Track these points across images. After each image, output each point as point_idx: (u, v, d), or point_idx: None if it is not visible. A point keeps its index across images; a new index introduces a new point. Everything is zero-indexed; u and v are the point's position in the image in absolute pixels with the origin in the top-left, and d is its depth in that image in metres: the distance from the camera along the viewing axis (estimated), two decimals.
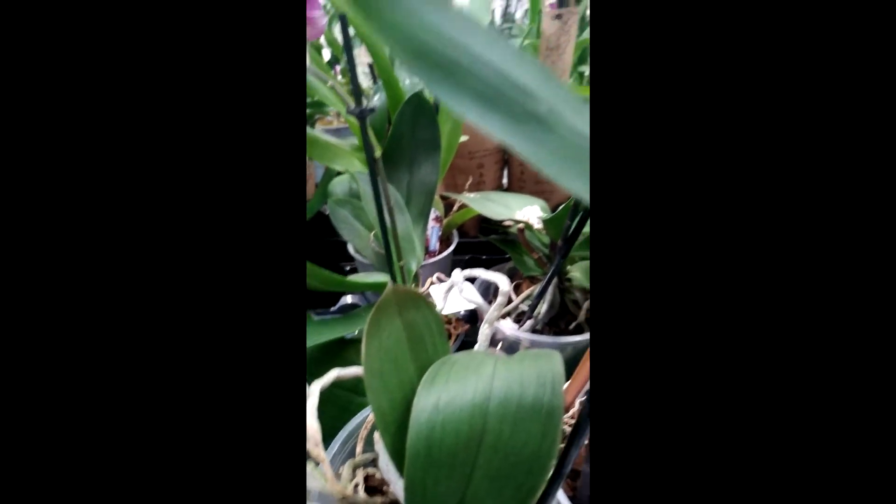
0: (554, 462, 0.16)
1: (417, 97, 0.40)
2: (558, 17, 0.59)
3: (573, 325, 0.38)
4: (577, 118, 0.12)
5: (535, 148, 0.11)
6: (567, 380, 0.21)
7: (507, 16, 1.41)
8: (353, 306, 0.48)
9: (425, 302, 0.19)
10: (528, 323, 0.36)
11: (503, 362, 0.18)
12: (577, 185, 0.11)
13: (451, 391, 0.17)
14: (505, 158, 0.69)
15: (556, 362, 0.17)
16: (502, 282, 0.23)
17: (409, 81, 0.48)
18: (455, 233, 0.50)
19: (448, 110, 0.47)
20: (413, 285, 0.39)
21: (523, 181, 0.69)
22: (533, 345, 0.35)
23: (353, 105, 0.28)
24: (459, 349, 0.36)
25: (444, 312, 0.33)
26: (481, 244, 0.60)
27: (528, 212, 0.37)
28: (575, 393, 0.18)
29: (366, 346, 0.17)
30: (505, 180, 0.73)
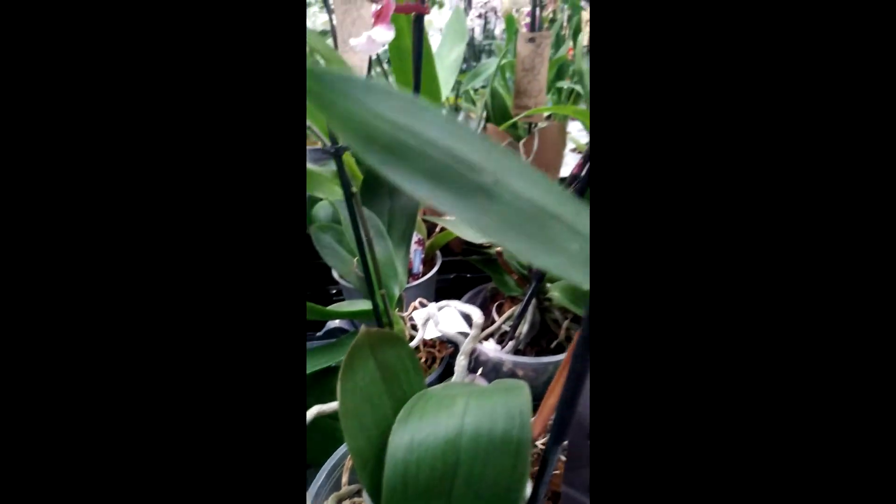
0: (527, 491, 0.17)
1: None
2: (531, 40, 0.61)
3: (554, 343, 0.39)
4: (522, 184, 0.13)
5: (482, 217, 0.12)
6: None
7: (486, 32, 1.44)
8: (340, 330, 0.49)
9: (399, 340, 0.20)
10: (510, 344, 0.37)
11: (475, 397, 0.19)
12: (520, 247, 0.12)
13: (424, 428, 0.18)
14: None
15: (524, 396, 0.18)
16: (475, 314, 0.23)
17: None
18: (438, 254, 0.51)
19: None
20: (396, 310, 0.40)
21: None
22: (515, 366, 0.35)
23: (329, 143, 0.29)
24: (444, 371, 0.37)
25: (427, 337, 0.34)
26: (466, 263, 0.61)
27: None
28: (542, 424, 0.19)
29: (341, 389, 0.18)
30: None
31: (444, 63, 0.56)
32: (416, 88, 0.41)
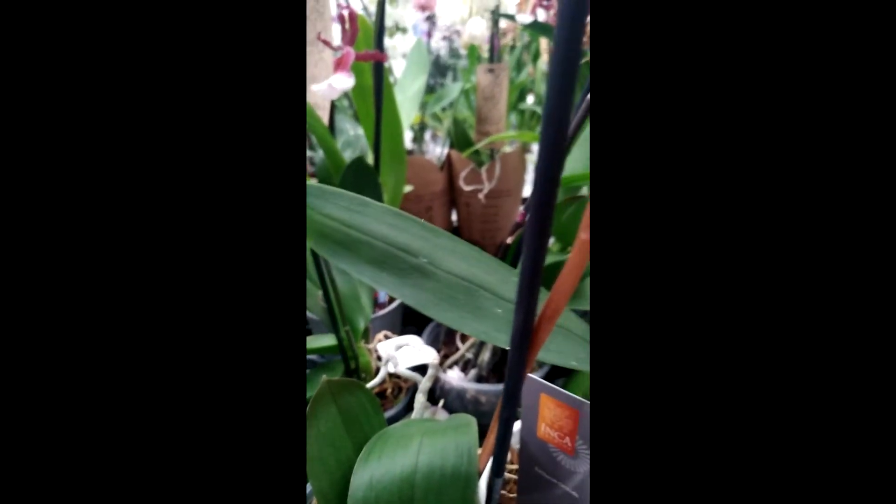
0: None
1: (359, 161, 0.43)
2: (491, 70, 0.64)
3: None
4: (454, 261, 0.15)
5: (419, 293, 0.14)
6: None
7: (452, 51, 1.49)
8: (310, 363, 0.49)
9: (359, 386, 0.21)
10: (473, 372, 0.39)
11: (428, 435, 0.20)
12: (451, 317, 0.14)
13: (382, 467, 0.19)
14: (452, 199, 0.73)
15: (472, 434, 0.20)
16: (430, 356, 0.25)
17: (348, 153, 0.51)
18: None
19: (391, 167, 0.50)
20: (363, 342, 0.41)
21: (470, 220, 0.73)
22: (478, 393, 0.37)
23: None
24: (409, 401, 0.38)
25: (398, 370, 0.35)
26: None
27: None
28: (487, 457, 0.21)
29: (305, 436, 0.19)
30: (454, 217, 0.77)
31: (407, 94, 0.59)
32: (377, 128, 0.43)
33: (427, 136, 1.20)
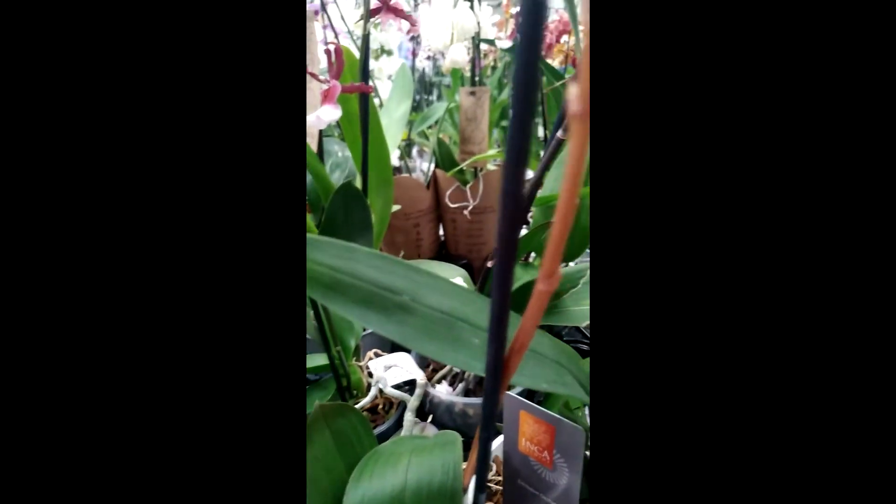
0: None
1: (347, 186, 0.45)
2: (472, 93, 0.67)
3: None
4: (435, 296, 0.17)
5: (401, 328, 0.15)
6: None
7: (436, 69, 1.52)
8: None
9: (350, 409, 0.23)
10: (460, 386, 0.40)
11: (416, 453, 0.22)
12: (432, 349, 0.16)
13: (374, 486, 0.21)
14: (438, 216, 0.75)
15: (457, 451, 0.21)
16: (417, 375, 0.27)
17: (336, 174, 0.53)
18: None
19: (378, 189, 0.51)
20: (354, 360, 0.42)
21: (457, 235, 0.75)
22: (466, 406, 0.39)
23: None
24: (400, 416, 0.39)
25: (387, 392, 0.37)
26: None
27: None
28: (472, 471, 0.22)
29: None
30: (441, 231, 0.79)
31: (393, 117, 0.61)
32: (365, 153, 0.45)
33: (414, 152, 1.22)
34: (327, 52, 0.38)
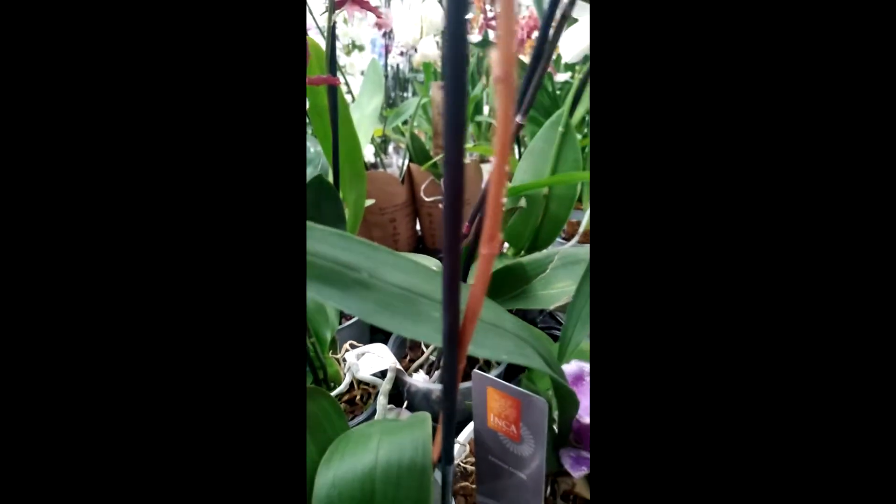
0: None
1: (318, 179, 0.45)
2: (444, 87, 0.67)
3: (476, 368, 0.43)
4: (394, 274, 0.17)
5: (361, 303, 0.16)
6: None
7: (410, 65, 1.52)
8: None
9: (321, 393, 0.23)
10: (437, 374, 0.41)
11: (386, 433, 0.22)
12: (393, 323, 0.16)
13: (344, 466, 0.21)
14: (415, 210, 0.75)
15: (426, 429, 0.22)
16: (389, 362, 0.27)
17: (309, 170, 0.53)
18: None
19: (351, 183, 0.51)
20: (329, 352, 0.42)
21: (433, 228, 0.76)
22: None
23: None
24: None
25: (359, 377, 0.37)
26: None
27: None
28: (438, 448, 0.23)
29: None
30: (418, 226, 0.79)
31: (365, 111, 0.61)
32: (335, 147, 0.45)
33: (390, 148, 1.22)
34: None
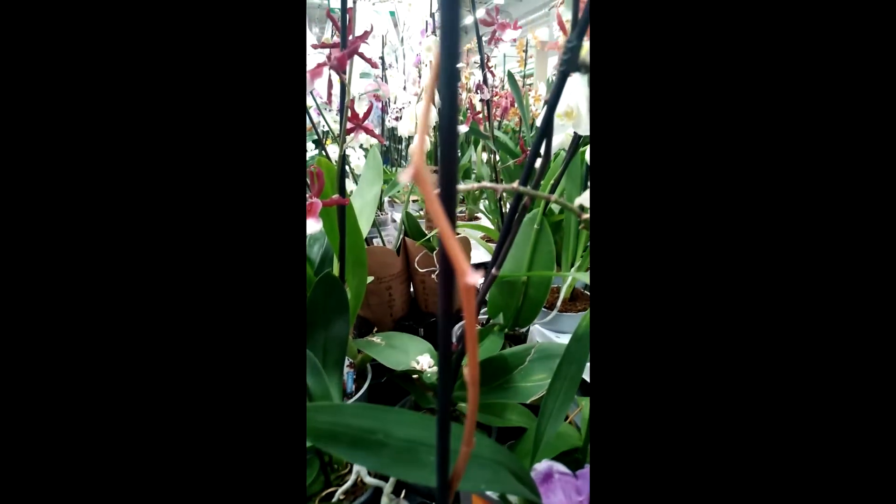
0: None
1: (328, 276, 0.51)
2: (435, 171, 0.75)
3: None
4: (403, 429, 0.23)
5: (378, 459, 0.22)
6: None
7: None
8: None
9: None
10: None
11: None
12: (398, 472, 0.23)
13: None
14: (409, 278, 0.82)
15: None
16: None
17: (315, 248, 0.59)
18: (369, 366, 0.59)
19: (354, 272, 0.58)
20: None
21: (426, 295, 0.82)
22: None
23: None
24: (374, 492, 0.45)
25: (366, 481, 0.42)
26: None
27: (422, 360, 0.49)
28: None
29: None
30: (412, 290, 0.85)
31: (366, 199, 0.68)
32: (342, 246, 0.51)
33: (386, 203, 1.30)
34: (310, 173, 0.45)
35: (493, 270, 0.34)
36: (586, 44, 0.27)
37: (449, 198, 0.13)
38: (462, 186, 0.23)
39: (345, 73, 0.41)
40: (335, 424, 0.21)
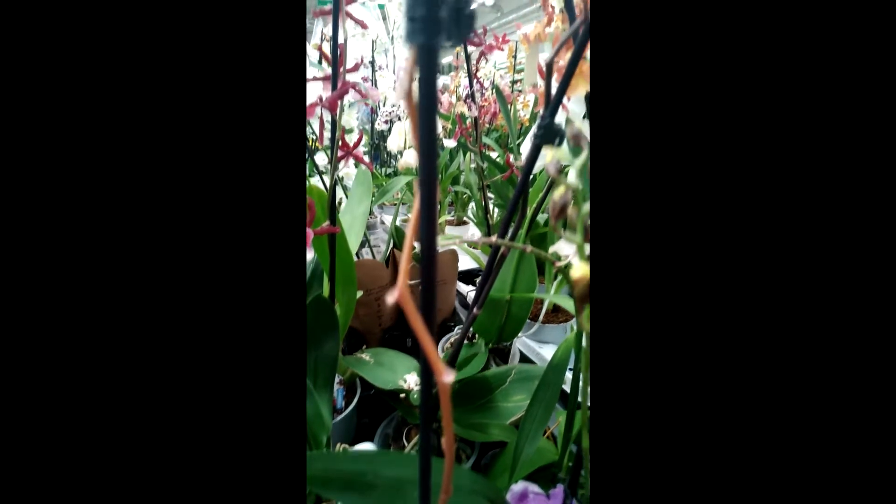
0: None
1: (318, 299, 0.53)
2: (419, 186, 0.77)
3: None
4: (391, 469, 0.26)
5: (368, 499, 0.24)
6: None
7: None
8: None
9: None
10: None
11: None
12: None
13: None
14: None
15: None
16: None
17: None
18: (358, 381, 0.62)
19: (344, 289, 0.60)
20: (325, 449, 0.50)
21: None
22: None
23: None
24: None
25: None
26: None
27: (409, 379, 0.51)
28: None
29: None
30: None
31: (355, 214, 0.70)
32: (332, 268, 0.53)
33: (375, 208, 1.31)
34: None
35: (475, 310, 0.37)
36: (562, 114, 0.29)
37: (428, 308, 0.15)
38: (443, 242, 0.25)
39: (336, 110, 0.43)
40: (328, 471, 0.24)
